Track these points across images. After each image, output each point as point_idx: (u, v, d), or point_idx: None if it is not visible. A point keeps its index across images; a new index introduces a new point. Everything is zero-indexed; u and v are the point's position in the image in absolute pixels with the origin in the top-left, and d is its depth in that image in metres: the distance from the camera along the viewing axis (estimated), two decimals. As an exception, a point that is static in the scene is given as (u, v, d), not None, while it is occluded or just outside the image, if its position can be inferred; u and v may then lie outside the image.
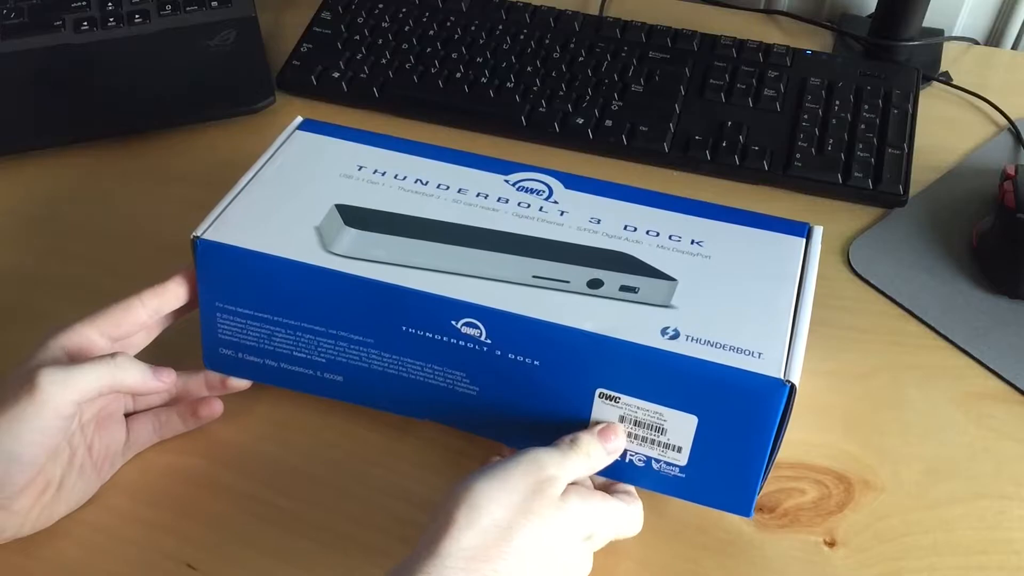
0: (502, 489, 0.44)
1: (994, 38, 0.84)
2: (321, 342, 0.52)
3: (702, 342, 0.47)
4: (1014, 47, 0.83)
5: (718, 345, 0.47)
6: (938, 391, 0.57)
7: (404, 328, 0.50)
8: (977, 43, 0.81)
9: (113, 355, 0.48)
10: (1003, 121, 0.72)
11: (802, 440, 0.54)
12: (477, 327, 0.49)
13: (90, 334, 0.50)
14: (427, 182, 0.56)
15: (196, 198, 0.68)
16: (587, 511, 0.46)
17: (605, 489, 0.50)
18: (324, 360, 0.52)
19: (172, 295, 0.52)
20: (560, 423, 0.49)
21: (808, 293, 0.50)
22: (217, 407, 0.55)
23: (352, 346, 0.51)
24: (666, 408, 0.47)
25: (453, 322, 0.49)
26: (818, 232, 0.54)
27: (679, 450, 0.48)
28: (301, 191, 0.55)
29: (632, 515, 0.49)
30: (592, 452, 0.48)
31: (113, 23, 0.78)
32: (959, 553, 0.51)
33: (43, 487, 0.49)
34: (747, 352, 0.47)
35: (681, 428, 0.47)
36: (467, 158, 0.58)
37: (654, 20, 0.78)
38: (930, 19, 0.77)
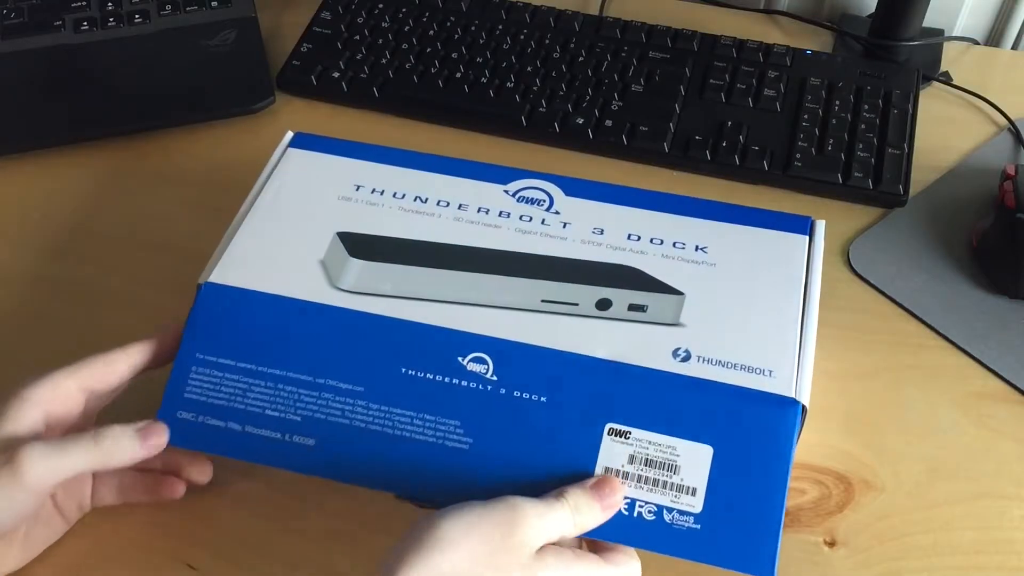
0: (468, 535, 0.40)
1: (994, 38, 0.84)
2: (302, 395, 0.49)
3: (713, 362, 0.48)
4: (1014, 47, 0.83)
5: (729, 365, 0.47)
6: (938, 391, 0.57)
7: (404, 370, 0.48)
8: (977, 43, 0.81)
9: (97, 435, 0.45)
10: (1003, 121, 0.72)
11: (802, 440, 0.54)
12: (485, 363, 0.48)
13: (69, 387, 0.47)
14: (427, 199, 0.55)
15: (196, 198, 0.68)
16: (564, 574, 0.41)
17: (595, 548, 0.45)
18: (299, 418, 0.49)
19: (159, 352, 0.50)
20: (559, 476, 0.46)
21: (813, 297, 0.51)
22: (179, 490, 0.51)
23: (337, 397, 0.49)
24: (680, 440, 0.46)
25: (460, 358, 0.48)
26: (820, 226, 0.54)
27: (693, 493, 0.45)
28: (301, 220, 0.54)
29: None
30: (581, 506, 0.43)
31: (113, 23, 0.78)
32: (959, 553, 0.51)
33: (9, 539, 0.47)
34: (758, 371, 0.47)
35: (695, 464, 0.46)
36: (464, 167, 0.57)
37: (654, 20, 0.78)
38: (930, 19, 0.77)
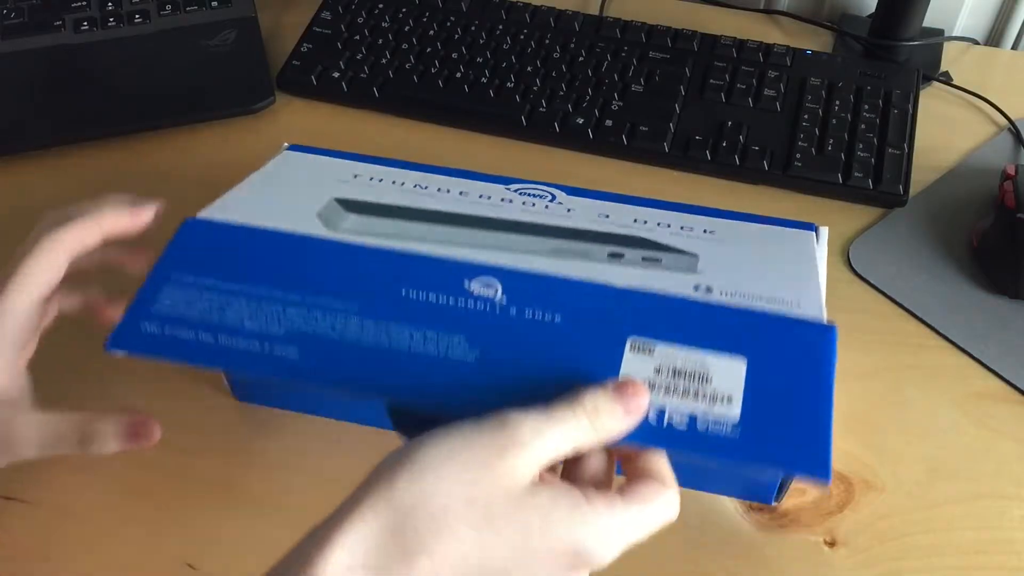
0: (448, 460, 0.33)
1: (994, 38, 0.84)
2: (288, 311, 0.45)
3: (737, 295, 0.46)
4: (1014, 47, 0.83)
5: (755, 297, 0.46)
6: (938, 391, 0.57)
7: (403, 292, 0.45)
8: (977, 43, 0.81)
9: (83, 437, 0.45)
10: (1003, 121, 0.72)
11: (802, 440, 0.54)
12: (492, 286, 0.45)
13: (94, 234, 0.48)
14: (427, 187, 0.55)
15: (196, 198, 0.68)
16: (562, 518, 0.33)
17: (625, 470, 0.39)
18: (282, 331, 0.44)
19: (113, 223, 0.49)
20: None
21: (822, 285, 0.50)
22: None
23: (327, 315, 0.45)
24: (709, 354, 0.42)
25: (466, 281, 0.46)
26: (824, 232, 0.54)
27: (729, 401, 0.41)
28: (298, 188, 0.54)
29: (658, 514, 0.37)
30: (601, 409, 0.36)
31: (113, 23, 0.78)
32: (959, 553, 0.51)
33: None
34: (786, 302, 0.45)
35: (729, 374, 0.42)
36: (463, 174, 0.57)
37: (654, 20, 0.78)
38: (930, 19, 0.77)
